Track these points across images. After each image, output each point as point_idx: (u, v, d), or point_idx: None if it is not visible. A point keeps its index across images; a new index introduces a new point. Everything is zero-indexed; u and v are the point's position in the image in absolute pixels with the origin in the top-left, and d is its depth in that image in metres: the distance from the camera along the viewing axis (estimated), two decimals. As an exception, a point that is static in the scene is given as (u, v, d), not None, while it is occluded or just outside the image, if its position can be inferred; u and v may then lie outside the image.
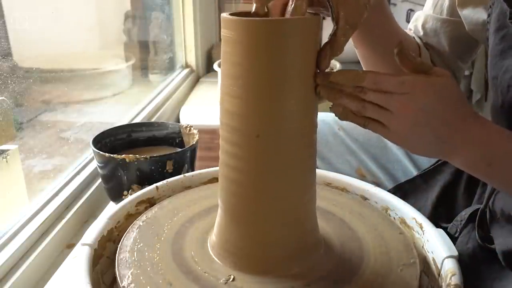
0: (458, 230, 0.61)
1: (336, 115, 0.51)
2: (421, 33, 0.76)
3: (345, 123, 0.86)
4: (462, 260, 0.52)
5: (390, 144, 0.83)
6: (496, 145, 0.51)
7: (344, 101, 0.49)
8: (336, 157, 0.84)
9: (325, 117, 0.87)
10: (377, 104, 0.48)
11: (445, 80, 0.49)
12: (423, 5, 0.79)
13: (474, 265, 0.56)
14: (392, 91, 0.48)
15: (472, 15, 0.69)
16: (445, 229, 0.62)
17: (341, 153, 0.84)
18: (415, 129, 0.49)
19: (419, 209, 0.61)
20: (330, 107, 0.51)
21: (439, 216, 0.67)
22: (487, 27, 0.62)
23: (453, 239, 0.59)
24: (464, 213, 0.62)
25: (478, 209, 0.60)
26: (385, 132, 0.50)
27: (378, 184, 0.80)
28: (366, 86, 0.48)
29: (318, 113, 0.52)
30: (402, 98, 0.47)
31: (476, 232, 0.58)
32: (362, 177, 0.82)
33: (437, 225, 0.58)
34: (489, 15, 0.61)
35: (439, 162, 0.71)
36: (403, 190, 0.73)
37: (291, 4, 0.48)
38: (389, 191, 0.71)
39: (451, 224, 0.63)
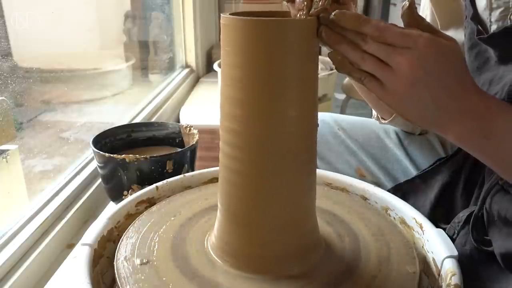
0: (456, 231, 0.61)
1: (333, 63, 0.49)
2: None
3: (344, 124, 0.86)
4: (460, 261, 0.52)
5: (390, 144, 0.83)
6: (495, 117, 0.49)
7: (344, 48, 0.47)
8: (336, 157, 0.84)
9: (325, 117, 0.87)
10: (378, 59, 0.47)
11: (451, 44, 0.48)
12: (423, 5, 0.79)
13: (472, 266, 0.56)
14: (395, 43, 0.46)
15: (454, 36, 0.70)
16: (443, 230, 0.62)
17: (341, 153, 0.84)
18: (412, 90, 0.47)
19: (418, 209, 0.61)
20: (328, 53, 0.49)
21: (438, 216, 0.67)
22: (465, 40, 0.63)
23: (452, 240, 0.59)
24: (462, 215, 0.62)
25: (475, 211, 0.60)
26: (381, 91, 0.48)
27: (377, 184, 0.80)
28: (368, 32, 0.46)
29: (318, 113, 0.52)
30: (404, 52, 0.46)
31: (471, 235, 0.58)
32: (362, 177, 0.82)
33: (436, 226, 0.58)
34: (465, 35, 0.63)
35: (438, 163, 0.71)
36: (402, 190, 0.73)
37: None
38: (388, 191, 0.71)
39: (449, 225, 0.63)
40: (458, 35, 0.69)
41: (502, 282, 0.53)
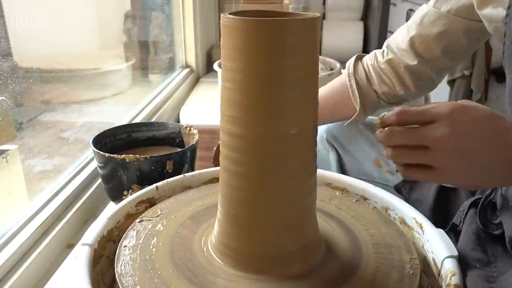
0: (462, 220, 0.63)
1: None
2: (418, 21, 0.78)
3: (367, 121, 0.92)
4: (467, 236, 0.53)
5: None
6: None
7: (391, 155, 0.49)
8: (358, 149, 0.90)
9: None
10: (409, 147, 0.47)
11: (469, 103, 0.48)
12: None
13: (479, 241, 0.57)
14: (417, 121, 0.46)
15: (493, 13, 0.71)
16: (446, 218, 0.64)
17: (361, 144, 0.90)
18: (458, 157, 0.46)
19: (423, 199, 0.62)
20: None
21: (441, 205, 0.69)
22: (506, 12, 0.63)
23: (458, 231, 0.60)
24: (466, 203, 0.63)
25: (480, 198, 0.61)
26: (432, 175, 0.48)
27: (392, 174, 0.87)
28: (388, 122, 0.48)
29: None
30: (432, 127, 0.46)
31: (478, 219, 0.59)
32: (379, 167, 0.88)
33: (439, 215, 0.58)
34: (509, 7, 0.62)
35: None
36: (409, 181, 0.76)
37: None
38: (398, 184, 0.73)
39: (455, 215, 0.64)
40: (495, 12, 0.69)
41: (504, 260, 0.54)
